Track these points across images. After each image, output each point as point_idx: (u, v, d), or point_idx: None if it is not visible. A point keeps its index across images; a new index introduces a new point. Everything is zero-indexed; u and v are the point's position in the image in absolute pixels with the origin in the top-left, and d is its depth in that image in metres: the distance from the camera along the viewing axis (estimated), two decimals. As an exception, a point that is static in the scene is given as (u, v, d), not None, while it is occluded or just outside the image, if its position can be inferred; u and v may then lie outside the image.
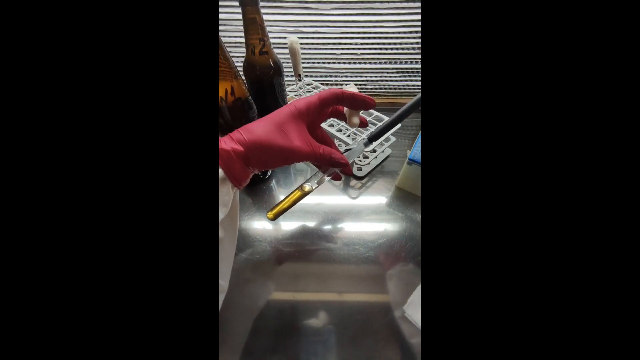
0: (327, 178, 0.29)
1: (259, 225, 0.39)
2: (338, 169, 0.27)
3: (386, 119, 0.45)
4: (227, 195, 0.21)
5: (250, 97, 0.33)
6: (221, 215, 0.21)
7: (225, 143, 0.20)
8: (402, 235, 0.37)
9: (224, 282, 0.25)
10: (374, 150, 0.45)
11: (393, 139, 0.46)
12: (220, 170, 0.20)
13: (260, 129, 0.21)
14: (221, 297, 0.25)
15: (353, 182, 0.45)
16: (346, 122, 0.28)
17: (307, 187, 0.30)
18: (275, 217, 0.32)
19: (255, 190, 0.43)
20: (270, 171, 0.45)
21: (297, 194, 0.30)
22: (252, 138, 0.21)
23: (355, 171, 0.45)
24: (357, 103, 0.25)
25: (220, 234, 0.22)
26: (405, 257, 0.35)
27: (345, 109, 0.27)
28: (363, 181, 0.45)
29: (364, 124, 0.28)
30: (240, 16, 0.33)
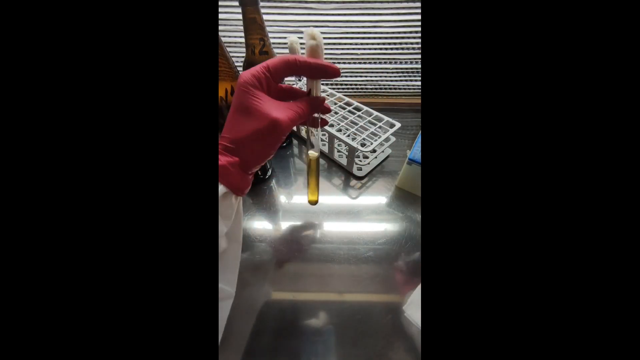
0: (315, 133, 0.27)
1: (259, 225, 0.39)
2: (319, 116, 0.25)
3: (386, 119, 0.45)
4: (230, 208, 0.20)
5: None
6: (225, 228, 0.20)
7: (221, 156, 0.19)
8: (402, 235, 0.37)
9: (230, 289, 0.24)
10: (374, 150, 0.45)
11: (393, 139, 0.46)
12: (221, 187, 0.19)
13: (237, 125, 0.20)
14: (229, 303, 0.24)
15: (353, 182, 0.45)
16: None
17: (312, 154, 0.28)
18: (316, 200, 0.30)
19: (256, 191, 0.43)
20: (270, 171, 0.45)
21: (312, 165, 0.29)
22: (239, 137, 0.20)
23: (355, 171, 0.45)
24: (316, 72, 0.22)
25: (224, 244, 0.21)
26: (405, 257, 0.35)
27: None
28: (363, 181, 0.45)
29: (326, 110, 0.25)
30: (240, 16, 0.33)
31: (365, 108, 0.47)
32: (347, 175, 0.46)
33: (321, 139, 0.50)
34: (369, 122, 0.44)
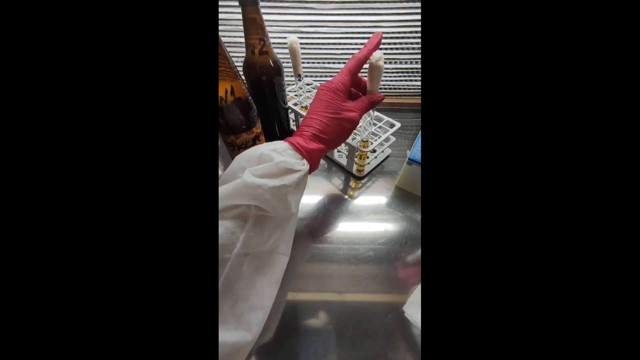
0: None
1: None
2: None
3: (386, 119, 0.45)
4: (305, 182, 0.27)
5: (250, 97, 0.33)
6: (299, 197, 0.26)
7: (311, 142, 0.26)
8: (402, 235, 0.37)
9: (288, 250, 0.28)
10: (374, 150, 0.45)
11: (393, 138, 0.46)
12: (308, 165, 0.26)
13: (327, 123, 0.27)
14: (286, 260, 0.28)
15: (353, 182, 0.45)
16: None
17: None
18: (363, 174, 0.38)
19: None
20: None
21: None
22: (328, 131, 0.27)
23: (355, 171, 0.45)
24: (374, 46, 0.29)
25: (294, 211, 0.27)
26: (405, 257, 0.35)
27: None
28: (363, 181, 0.45)
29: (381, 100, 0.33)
30: (240, 16, 0.33)
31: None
32: (347, 175, 0.46)
33: None
34: (369, 122, 0.44)
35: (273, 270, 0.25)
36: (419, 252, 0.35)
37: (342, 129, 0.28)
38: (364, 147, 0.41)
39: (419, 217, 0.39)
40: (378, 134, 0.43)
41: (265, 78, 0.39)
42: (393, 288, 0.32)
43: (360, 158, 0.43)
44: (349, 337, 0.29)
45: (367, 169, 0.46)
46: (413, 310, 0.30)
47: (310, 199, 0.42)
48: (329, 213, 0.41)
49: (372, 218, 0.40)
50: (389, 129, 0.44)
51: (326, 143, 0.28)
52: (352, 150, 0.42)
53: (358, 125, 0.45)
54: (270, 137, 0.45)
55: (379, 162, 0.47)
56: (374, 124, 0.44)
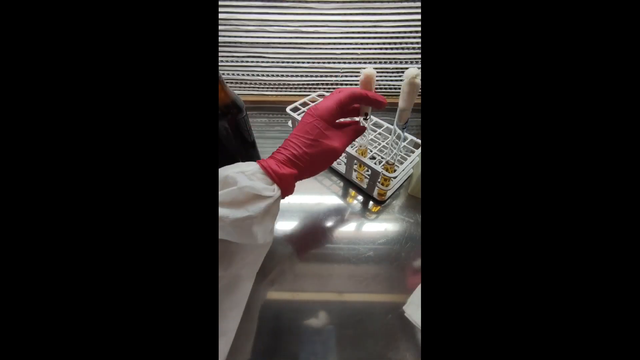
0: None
1: (259, 225, 0.39)
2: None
3: (410, 137, 0.43)
4: (278, 207, 0.25)
5: (235, 100, 0.32)
6: (272, 225, 0.25)
7: (283, 166, 0.24)
8: (402, 235, 0.37)
9: (254, 274, 0.27)
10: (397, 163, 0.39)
11: (418, 159, 0.41)
12: (280, 190, 0.24)
13: (302, 147, 0.25)
14: (249, 284, 0.26)
15: (373, 206, 0.42)
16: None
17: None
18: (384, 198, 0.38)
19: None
20: None
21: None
22: (302, 156, 0.25)
23: (375, 195, 0.42)
24: (371, 102, 0.29)
25: (268, 239, 0.25)
26: (405, 257, 0.35)
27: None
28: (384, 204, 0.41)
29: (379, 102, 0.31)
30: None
31: (386, 125, 0.44)
32: (366, 196, 0.43)
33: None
34: (394, 140, 0.35)
35: (236, 293, 0.24)
36: (419, 252, 0.35)
37: (322, 158, 0.27)
38: (389, 172, 0.36)
39: (419, 217, 0.39)
40: (400, 153, 0.37)
41: (229, 117, 0.33)
42: (393, 288, 0.32)
43: (384, 183, 0.40)
44: (349, 337, 0.29)
45: (388, 192, 0.42)
46: (413, 310, 0.30)
47: (310, 199, 0.42)
48: (329, 213, 0.40)
49: (372, 218, 0.40)
50: (413, 149, 0.41)
51: (301, 170, 0.26)
52: (375, 174, 0.38)
53: (379, 144, 0.43)
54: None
55: (401, 183, 0.44)
56: (396, 143, 0.34)
